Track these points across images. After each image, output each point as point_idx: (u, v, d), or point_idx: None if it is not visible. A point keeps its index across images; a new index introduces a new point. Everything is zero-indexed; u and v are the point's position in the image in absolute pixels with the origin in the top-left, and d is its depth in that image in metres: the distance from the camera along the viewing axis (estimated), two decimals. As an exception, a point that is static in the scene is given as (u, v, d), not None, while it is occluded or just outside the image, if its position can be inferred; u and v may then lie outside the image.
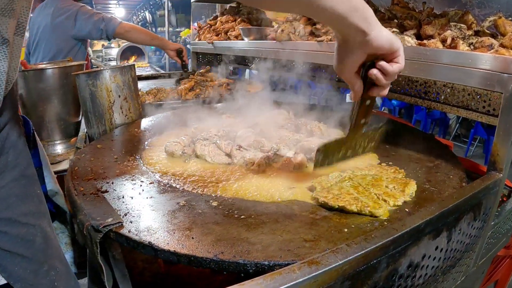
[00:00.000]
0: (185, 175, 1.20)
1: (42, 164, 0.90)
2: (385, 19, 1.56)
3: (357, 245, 0.69)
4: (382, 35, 0.80)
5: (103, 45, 8.84)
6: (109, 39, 2.74)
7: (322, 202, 0.92)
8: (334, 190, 0.95)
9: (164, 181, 1.15)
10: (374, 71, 0.86)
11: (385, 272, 0.74)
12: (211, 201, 1.03)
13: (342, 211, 0.91)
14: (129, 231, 0.85)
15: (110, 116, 1.69)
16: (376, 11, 1.63)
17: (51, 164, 1.33)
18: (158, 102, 2.14)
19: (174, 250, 0.77)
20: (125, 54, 7.40)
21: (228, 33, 2.49)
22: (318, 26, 1.80)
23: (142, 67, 6.60)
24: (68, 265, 0.87)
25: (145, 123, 1.79)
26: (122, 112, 1.73)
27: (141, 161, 1.32)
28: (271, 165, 1.28)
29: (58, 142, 1.79)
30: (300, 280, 0.60)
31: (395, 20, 1.49)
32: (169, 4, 4.10)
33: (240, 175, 1.21)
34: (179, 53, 2.75)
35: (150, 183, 1.13)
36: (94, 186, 1.08)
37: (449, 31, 1.17)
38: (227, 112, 1.93)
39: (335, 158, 1.04)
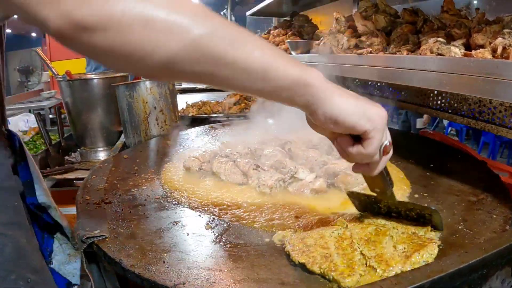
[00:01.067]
0: (194, 192, 1.17)
1: (32, 177, 0.94)
2: (434, 28, 1.36)
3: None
4: (336, 113, 0.63)
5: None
6: None
7: (287, 252, 0.79)
8: (309, 239, 0.81)
9: (169, 198, 1.13)
10: (336, 146, 0.71)
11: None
12: (207, 223, 0.97)
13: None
14: (107, 246, 0.83)
15: (146, 127, 1.75)
16: (425, 21, 1.43)
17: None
18: (200, 116, 2.17)
19: (139, 273, 0.73)
20: None
21: (278, 46, 2.45)
22: (363, 38, 1.66)
23: None
24: (50, 278, 0.88)
25: (180, 135, 1.81)
26: (158, 124, 1.78)
27: (158, 175, 1.32)
28: (286, 189, 1.18)
29: (101, 149, 1.91)
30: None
31: (444, 30, 1.29)
32: (233, 19, 4.21)
33: (249, 197, 1.14)
34: None
35: (155, 199, 1.12)
36: (101, 196, 1.10)
37: (500, 38, 0.96)
38: (264, 128, 1.87)
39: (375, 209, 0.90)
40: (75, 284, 1.06)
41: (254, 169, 1.27)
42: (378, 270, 0.70)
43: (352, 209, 1.03)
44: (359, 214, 0.95)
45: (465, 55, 1.08)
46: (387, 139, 0.71)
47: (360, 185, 1.16)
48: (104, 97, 1.79)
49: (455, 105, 1.34)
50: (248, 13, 2.90)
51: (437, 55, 1.18)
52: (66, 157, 1.71)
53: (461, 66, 1.02)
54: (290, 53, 2.23)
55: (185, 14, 0.54)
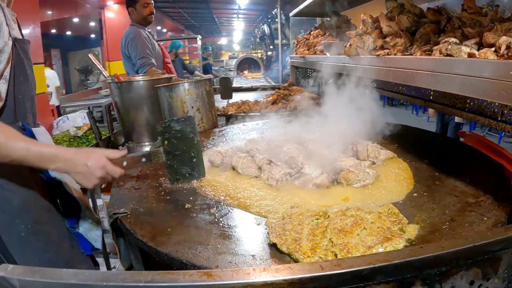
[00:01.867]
0: (210, 182, 1.33)
1: None
2: (455, 28, 1.34)
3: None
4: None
5: (229, 56, 9.82)
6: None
7: (267, 232, 0.91)
8: (289, 225, 0.91)
9: (188, 187, 1.30)
10: None
11: None
12: (213, 207, 1.12)
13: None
14: (128, 221, 1.03)
15: (184, 125, 1.96)
16: (449, 20, 1.41)
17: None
18: (238, 114, 2.34)
19: (145, 241, 0.91)
20: (241, 65, 8.08)
21: (315, 47, 2.51)
22: (387, 39, 1.67)
23: (256, 78, 7.05)
24: (50, 234, 1.15)
25: (215, 132, 1.99)
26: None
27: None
28: (292, 182, 1.29)
29: (146, 144, 2.17)
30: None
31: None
32: (283, 18, 4.31)
33: (257, 188, 1.26)
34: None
35: (177, 186, 1.30)
36: (133, 183, 1.31)
37: (504, 37, 0.95)
38: (295, 127, 1.97)
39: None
40: (97, 249, 1.30)
41: (267, 164, 1.39)
42: (338, 256, 0.79)
43: (346, 204, 1.11)
44: (347, 208, 1.02)
45: (469, 55, 1.08)
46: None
47: (362, 182, 1.23)
48: (148, 97, 2.03)
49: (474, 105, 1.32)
50: (291, 14, 2.99)
51: (446, 55, 1.18)
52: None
53: (451, 67, 1.04)
54: (325, 54, 2.29)
55: None
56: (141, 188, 1.28)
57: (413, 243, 0.87)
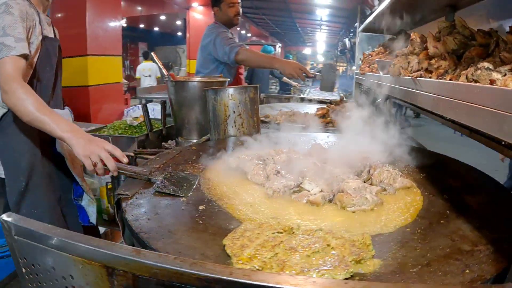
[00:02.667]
0: (216, 183, 1.41)
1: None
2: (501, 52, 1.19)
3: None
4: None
5: (310, 66, 9.74)
6: (233, 64, 2.98)
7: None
8: (250, 232, 0.93)
9: (197, 184, 1.40)
10: None
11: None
12: (202, 204, 1.21)
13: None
14: (125, 202, 1.17)
15: (224, 127, 2.08)
16: (498, 43, 1.24)
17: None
18: (283, 123, 2.38)
19: (127, 219, 1.04)
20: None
21: (373, 65, 2.41)
22: (433, 61, 1.55)
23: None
24: (45, 193, 1.53)
25: (251, 138, 2.06)
26: (235, 126, 2.09)
27: (206, 167, 1.61)
28: (288, 194, 1.30)
29: (194, 140, 2.33)
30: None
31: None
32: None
33: (254, 195, 1.30)
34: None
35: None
36: (151, 172, 1.47)
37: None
38: (325, 143, 1.95)
39: None
40: (92, 223, 1.51)
41: (274, 174, 1.42)
42: (273, 270, 0.80)
43: (328, 225, 1.08)
44: (320, 228, 1.00)
45: (491, 82, 0.96)
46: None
47: (358, 207, 1.18)
48: (200, 97, 2.20)
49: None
50: (358, 29, 2.90)
51: (471, 81, 1.07)
52: (164, 143, 2.21)
53: (456, 93, 0.95)
54: (379, 73, 2.19)
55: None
56: (156, 177, 1.42)
57: (363, 278, 0.82)
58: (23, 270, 0.89)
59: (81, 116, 3.44)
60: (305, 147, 1.88)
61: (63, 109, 1.78)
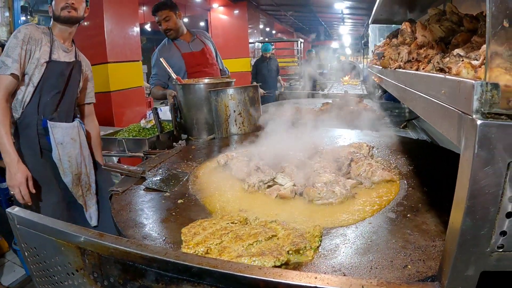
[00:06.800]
0: (201, 178, 1.51)
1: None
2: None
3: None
4: None
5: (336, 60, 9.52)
6: None
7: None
8: (208, 222, 1.02)
9: (184, 179, 1.50)
10: None
11: None
12: (181, 198, 1.31)
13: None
14: (115, 197, 1.31)
15: (226, 126, 2.18)
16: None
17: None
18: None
19: (111, 210, 1.18)
20: (345, 70, 7.72)
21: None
22: (422, 50, 1.52)
23: (352, 85, 6.61)
24: (47, 193, 1.82)
25: (250, 136, 2.13)
26: (236, 124, 2.17)
27: (199, 164, 1.71)
28: (263, 189, 1.36)
29: (204, 139, 2.44)
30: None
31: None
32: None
33: (232, 189, 1.38)
34: None
35: (177, 178, 1.53)
36: (146, 169, 1.60)
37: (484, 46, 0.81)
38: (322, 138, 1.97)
39: None
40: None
41: (255, 169, 1.48)
42: (214, 254, 0.88)
43: (290, 217, 1.13)
44: (275, 220, 1.06)
45: (447, 70, 0.95)
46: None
47: (324, 200, 1.21)
48: (206, 99, 2.29)
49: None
50: (369, 21, 2.82)
51: (438, 70, 1.06)
52: (174, 143, 2.34)
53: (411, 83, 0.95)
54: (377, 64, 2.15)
55: None
56: (150, 174, 1.55)
57: (297, 266, 0.87)
58: (26, 253, 1.05)
59: (104, 120, 3.71)
60: (298, 142, 1.91)
61: (72, 121, 2.03)
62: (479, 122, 0.54)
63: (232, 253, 0.87)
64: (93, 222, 1.94)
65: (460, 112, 0.61)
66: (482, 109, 0.55)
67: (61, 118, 1.95)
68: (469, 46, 1.12)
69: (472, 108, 0.56)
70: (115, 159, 3.35)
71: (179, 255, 0.78)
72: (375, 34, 3.35)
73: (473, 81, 0.56)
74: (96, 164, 2.24)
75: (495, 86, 0.54)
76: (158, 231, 1.06)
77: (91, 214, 1.97)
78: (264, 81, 6.71)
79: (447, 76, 0.73)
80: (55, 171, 1.92)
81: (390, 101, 3.02)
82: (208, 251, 0.89)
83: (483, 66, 0.71)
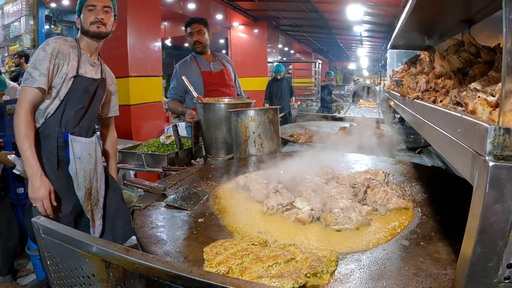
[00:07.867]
0: (222, 198, 1.56)
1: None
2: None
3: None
4: None
5: (353, 82, 9.57)
6: None
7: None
8: (229, 242, 1.06)
9: (205, 198, 1.56)
10: None
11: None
12: (201, 217, 1.36)
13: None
14: (137, 212, 1.37)
15: (245, 147, 2.24)
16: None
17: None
18: (306, 142, 2.47)
19: (133, 227, 1.23)
20: (357, 93, 7.76)
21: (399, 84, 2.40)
22: (440, 80, 1.56)
23: (368, 108, 6.60)
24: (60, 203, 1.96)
25: (268, 158, 2.17)
26: (255, 146, 2.23)
27: (219, 184, 1.77)
28: (282, 212, 1.40)
29: (222, 158, 2.50)
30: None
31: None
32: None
33: (252, 211, 1.43)
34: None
35: (198, 197, 1.59)
36: (166, 186, 1.66)
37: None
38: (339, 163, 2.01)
39: None
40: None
41: (273, 192, 1.53)
42: (235, 274, 0.92)
43: (307, 241, 1.17)
44: (293, 243, 1.10)
45: (457, 104, 0.99)
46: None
47: (341, 226, 1.25)
48: (226, 118, 2.36)
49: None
50: (388, 46, 2.88)
51: (455, 103, 1.10)
52: (193, 161, 2.42)
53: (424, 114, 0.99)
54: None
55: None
56: (171, 191, 1.61)
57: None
58: (48, 262, 1.11)
59: (123, 133, 3.82)
60: (316, 166, 1.95)
61: (91, 137, 2.11)
62: (491, 164, 0.58)
63: (253, 274, 0.91)
64: (96, 236, 2.02)
65: (474, 152, 0.65)
66: (494, 152, 0.59)
67: (82, 132, 2.01)
68: (485, 80, 1.16)
69: (485, 150, 0.60)
70: (132, 173, 3.45)
71: (203, 274, 0.82)
72: (393, 58, 3.41)
73: (488, 125, 0.61)
74: (108, 180, 2.27)
75: (508, 130, 0.59)
76: (180, 249, 1.11)
77: (96, 228, 2.04)
78: (277, 102, 6.81)
79: (463, 116, 0.77)
80: (69, 183, 1.98)
81: (407, 127, 3.06)
82: (229, 271, 0.94)
83: (497, 109, 0.76)
